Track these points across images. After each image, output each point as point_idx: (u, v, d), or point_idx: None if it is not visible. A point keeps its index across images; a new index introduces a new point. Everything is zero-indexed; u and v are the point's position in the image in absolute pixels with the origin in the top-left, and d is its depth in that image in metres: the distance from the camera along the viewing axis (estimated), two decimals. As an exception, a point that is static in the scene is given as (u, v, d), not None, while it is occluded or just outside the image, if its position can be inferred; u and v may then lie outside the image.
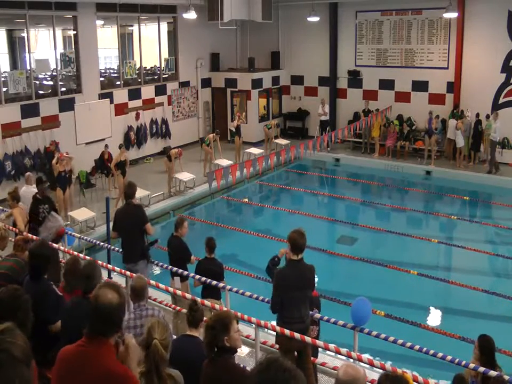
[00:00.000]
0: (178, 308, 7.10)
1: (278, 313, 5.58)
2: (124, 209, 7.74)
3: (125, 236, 7.63)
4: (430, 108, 18.10)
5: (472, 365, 5.04)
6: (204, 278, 6.97)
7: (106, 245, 8.39)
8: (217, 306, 6.27)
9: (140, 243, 7.57)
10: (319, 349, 6.58)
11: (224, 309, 6.24)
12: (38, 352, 3.33)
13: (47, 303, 4.40)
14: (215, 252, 7.42)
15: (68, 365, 2.76)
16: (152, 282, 6.71)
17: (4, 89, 13.97)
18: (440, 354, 5.39)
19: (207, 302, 6.48)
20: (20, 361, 1.77)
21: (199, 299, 6.17)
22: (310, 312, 5.89)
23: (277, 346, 6.11)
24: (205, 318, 7.04)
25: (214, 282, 6.89)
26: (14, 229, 8.52)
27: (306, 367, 5.71)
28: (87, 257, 7.53)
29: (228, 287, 7.00)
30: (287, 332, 5.44)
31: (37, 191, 9.11)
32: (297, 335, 5.36)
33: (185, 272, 7.37)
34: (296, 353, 5.64)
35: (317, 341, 5.53)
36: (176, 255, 7.58)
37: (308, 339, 5.39)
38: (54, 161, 12.35)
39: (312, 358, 5.96)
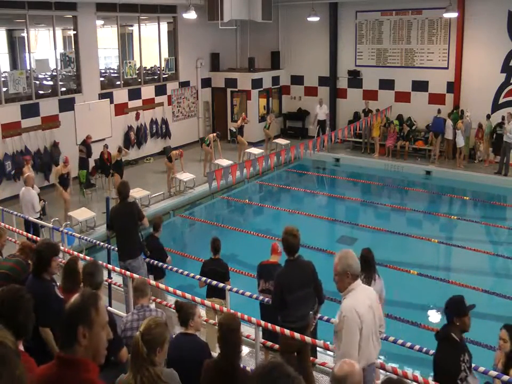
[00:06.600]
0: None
1: (280, 312, 5.57)
2: (120, 207, 7.81)
3: (123, 233, 7.69)
4: (430, 108, 18.10)
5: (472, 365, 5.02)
6: (208, 280, 7.00)
7: (106, 245, 8.39)
8: (217, 306, 6.26)
9: (137, 238, 7.76)
10: (319, 349, 6.59)
11: (225, 309, 6.23)
12: (38, 353, 3.33)
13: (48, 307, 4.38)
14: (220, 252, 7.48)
15: None
16: (152, 282, 6.71)
17: (4, 89, 13.97)
18: (440, 354, 5.37)
19: (207, 302, 6.49)
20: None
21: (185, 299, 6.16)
22: None
23: (277, 346, 6.12)
24: (205, 318, 7.08)
25: (214, 282, 6.89)
26: (15, 229, 8.52)
27: (307, 365, 5.72)
28: (87, 257, 7.54)
29: (228, 287, 7.00)
30: (287, 331, 5.43)
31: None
32: (297, 335, 5.35)
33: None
34: (296, 353, 5.65)
35: (317, 341, 5.52)
36: (155, 255, 7.82)
37: (307, 339, 5.39)
38: (58, 167, 12.35)
39: (311, 358, 5.97)
